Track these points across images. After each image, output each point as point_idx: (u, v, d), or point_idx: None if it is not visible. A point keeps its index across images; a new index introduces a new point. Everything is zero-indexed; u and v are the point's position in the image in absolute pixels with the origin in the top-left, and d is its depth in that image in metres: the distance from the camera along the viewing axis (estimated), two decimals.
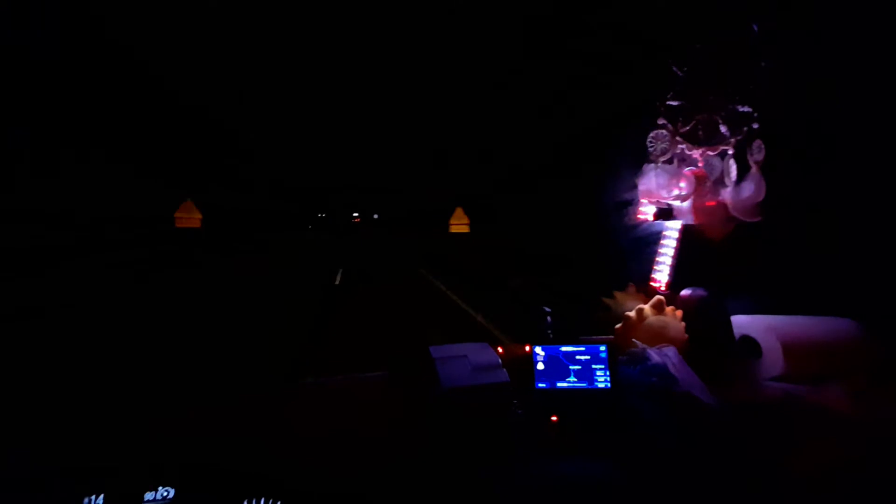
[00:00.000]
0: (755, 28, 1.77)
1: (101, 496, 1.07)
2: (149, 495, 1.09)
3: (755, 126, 1.72)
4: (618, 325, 1.75)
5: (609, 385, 1.58)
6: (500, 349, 1.74)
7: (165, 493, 1.10)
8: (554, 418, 1.53)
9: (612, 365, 1.60)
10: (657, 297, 1.75)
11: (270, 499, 1.12)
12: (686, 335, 1.73)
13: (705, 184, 1.75)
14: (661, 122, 1.79)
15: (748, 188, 1.68)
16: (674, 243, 1.81)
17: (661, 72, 1.80)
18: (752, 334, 1.71)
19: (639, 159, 1.84)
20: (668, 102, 1.80)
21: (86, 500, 1.06)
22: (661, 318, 1.73)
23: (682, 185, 1.75)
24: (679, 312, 1.76)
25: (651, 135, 1.78)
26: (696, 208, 1.75)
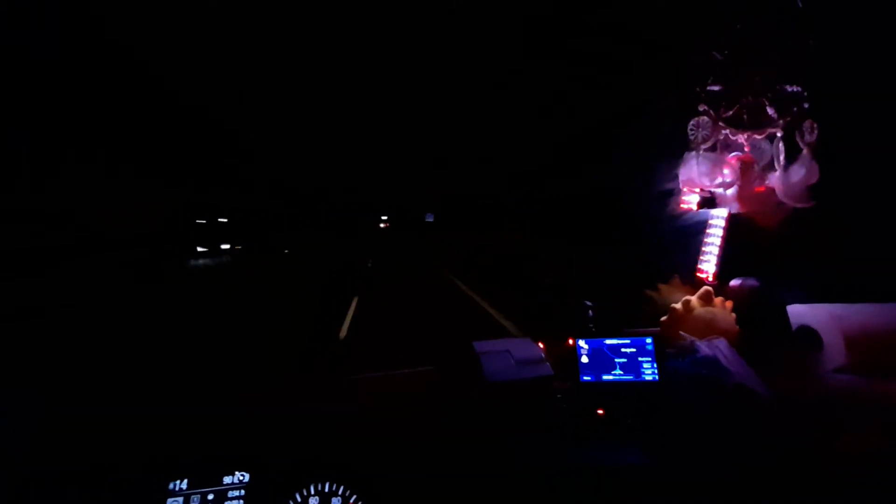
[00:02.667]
0: (800, 3, 1.71)
1: (186, 480, 1.17)
2: (227, 479, 1.18)
3: (805, 106, 1.64)
4: (663, 318, 1.69)
5: (657, 377, 1.54)
6: (541, 344, 1.69)
7: (242, 477, 1.19)
8: (600, 411, 1.48)
9: (658, 357, 1.55)
10: (704, 287, 1.68)
11: (335, 483, 1.20)
12: (737, 327, 1.66)
13: (753, 169, 1.68)
14: (702, 108, 1.73)
15: (798, 172, 1.61)
16: (720, 232, 1.74)
17: (662, 71, 1.74)
18: (811, 324, 1.60)
19: (679, 147, 1.78)
20: (708, 88, 1.73)
21: (171, 484, 1.15)
22: (710, 309, 1.66)
23: (726, 172, 1.68)
24: (728, 303, 1.69)
25: (692, 122, 1.72)
26: (742, 195, 1.68)
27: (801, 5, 1.71)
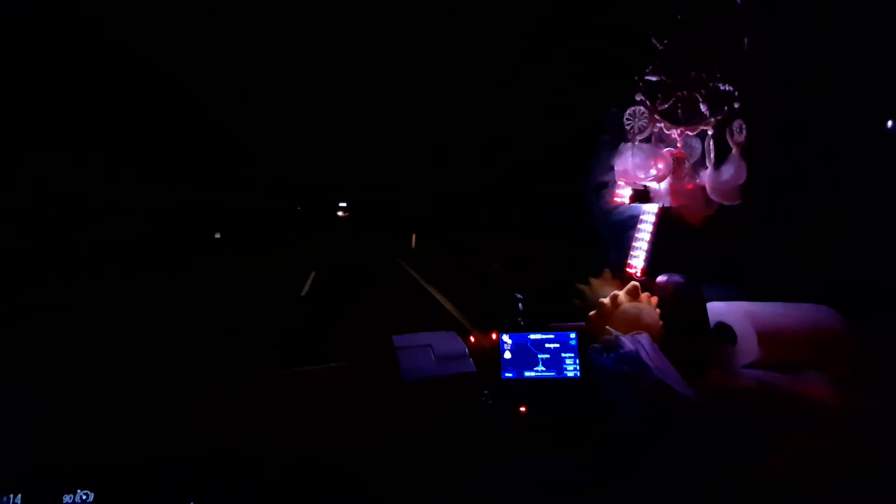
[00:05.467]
0: (738, 2, 1.70)
1: (20, 496, 1.03)
2: (67, 498, 1.04)
3: (736, 106, 1.64)
4: (592, 312, 1.68)
5: (578, 374, 1.51)
6: (472, 338, 1.67)
7: (84, 497, 1.05)
8: (522, 409, 1.46)
9: (581, 353, 1.52)
10: (632, 283, 1.67)
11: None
12: (661, 322, 1.65)
13: (684, 165, 1.68)
14: (638, 97, 1.71)
15: (728, 170, 1.61)
16: (650, 227, 1.73)
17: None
18: (728, 321, 1.64)
19: (618, 141, 1.77)
20: (646, 77, 1.72)
21: (3, 498, 1.03)
22: (636, 304, 1.65)
23: (660, 165, 1.67)
24: (654, 299, 1.68)
25: (628, 111, 1.70)
26: (674, 191, 1.67)
27: (739, 3, 1.71)
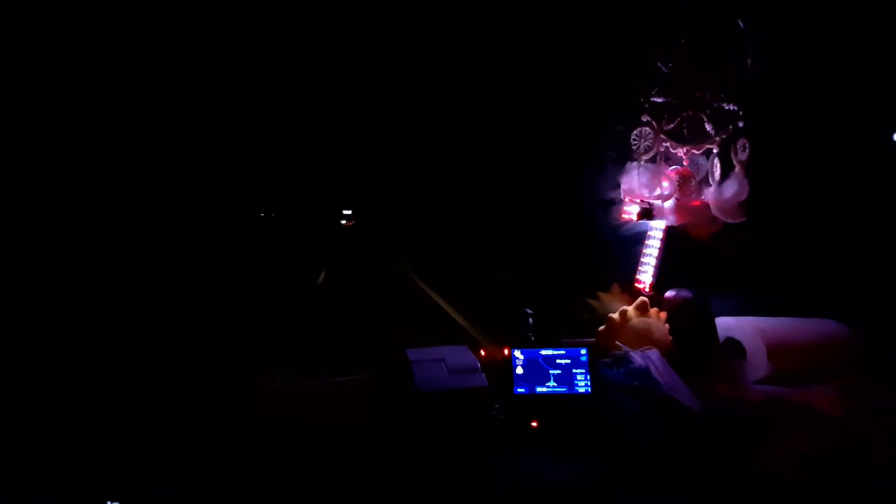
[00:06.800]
0: (741, 24, 1.73)
1: None
2: None
3: (741, 125, 1.68)
4: (601, 328, 1.72)
5: (589, 390, 1.54)
6: (482, 352, 1.70)
7: None
8: (534, 424, 1.50)
9: (592, 369, 1.55)
10: (641, 298, 1.71)
11: None
12: (670, 337, 1.69)
13: (690, 183, 1.71)
14: (645, 118, 1.75)
15: (731, 188, 1.65)
16: (658, 244, 1.77)
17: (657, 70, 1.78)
18: (737, 336, 1.68)
19: (625, 157, 1.81)
20: (652, 99, 1.76)
21: None
22: (645, 319, 1.69)
23: (665, 184, 1.71)
24: (663, 314, 1.72)
25: (635, 132, 1.74)
26: (679, 208, 1.71)
27: (742, 26, 1.74)
